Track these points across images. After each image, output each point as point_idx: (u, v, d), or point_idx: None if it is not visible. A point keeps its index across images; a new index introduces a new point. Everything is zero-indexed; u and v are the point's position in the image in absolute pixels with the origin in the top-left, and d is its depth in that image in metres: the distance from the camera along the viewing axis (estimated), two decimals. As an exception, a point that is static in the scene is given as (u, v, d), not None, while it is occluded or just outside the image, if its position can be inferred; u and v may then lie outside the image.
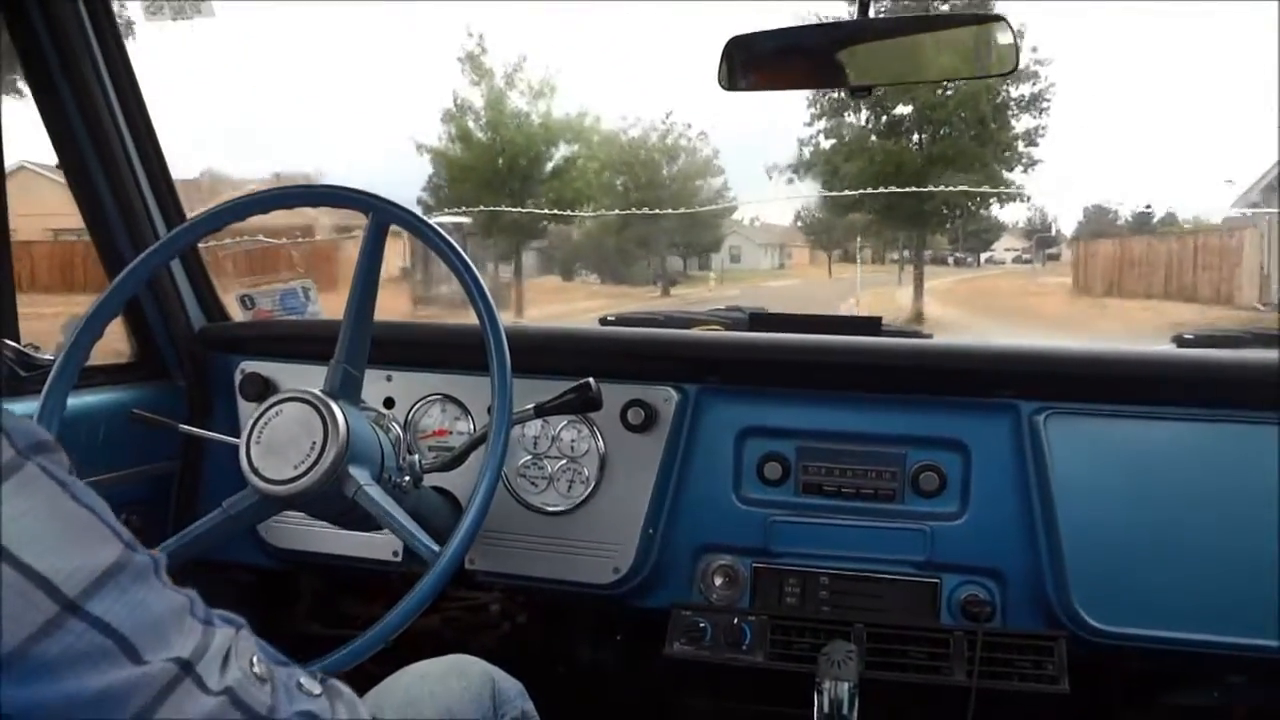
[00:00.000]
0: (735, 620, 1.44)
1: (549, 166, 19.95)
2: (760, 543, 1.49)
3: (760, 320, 1.77)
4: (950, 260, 27.83)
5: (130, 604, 0.50)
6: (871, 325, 1.66)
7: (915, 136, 18.61)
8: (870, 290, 21.01)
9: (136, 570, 0.52)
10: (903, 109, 18.48)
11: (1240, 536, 1.33)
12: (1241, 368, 1.43)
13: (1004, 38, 1.33)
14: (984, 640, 1.36)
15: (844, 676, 1.29)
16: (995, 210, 20.02)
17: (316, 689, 0.62)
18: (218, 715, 0.52)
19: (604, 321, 1.92)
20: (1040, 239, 26.74)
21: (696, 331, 1.76)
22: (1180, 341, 1.66)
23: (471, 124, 19.35)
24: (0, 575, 0.46)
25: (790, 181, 19.73)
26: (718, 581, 1.50)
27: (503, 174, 19.35)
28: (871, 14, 1.28)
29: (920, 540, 1.45)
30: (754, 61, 1.37)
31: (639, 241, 23.35)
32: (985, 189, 17.87)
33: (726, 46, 1.35)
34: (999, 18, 1.32)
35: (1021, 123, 17.95)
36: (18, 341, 1.53)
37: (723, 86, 1.38)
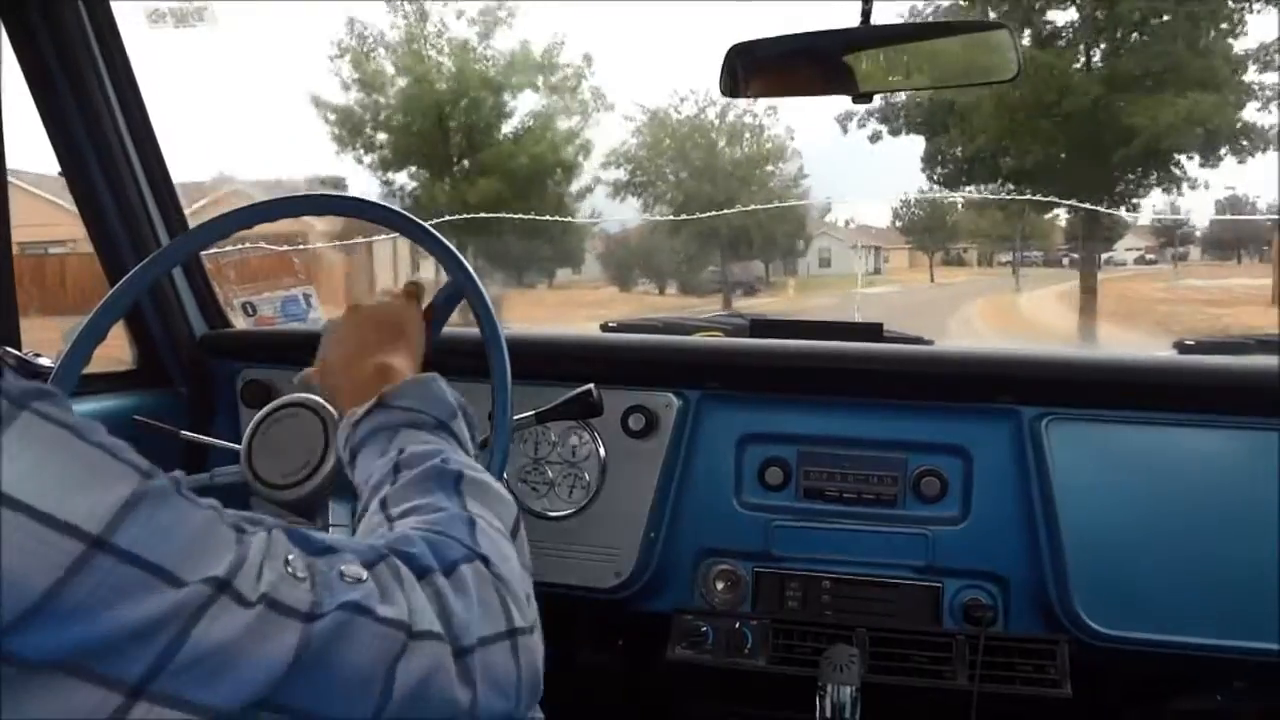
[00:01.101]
0: (737, 624, 1.44)
1: (506, 128, 14.42)
2: (762, 547, 1.49)
3: (761, 326, 1.77)
4: (1065, 261, 23.82)
5: (157, 529, 0.49)
6: (873, 331, 1.67)
7: (1083, 49, 11.57)
8: (989, 298, 17.22)
9: (158, 495, 0.50)
10: (1062, 12, 10.88)
11: (1242, 541, 1.34)
12: (1243, 374, 1.44)
13: (1005, 44, 1.33)
14: (986, 644, 1.36)
15: (846, 680, 1.29)
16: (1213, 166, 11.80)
17: (362, 574, 0.58)
18: (254, 626, 0.51)
19: (605, 327, 1.92)
20: (1184, 234, 22.59)
21: (697, 338, 1.76)
22: (1182, 347, 1.66)
23: (391, 67, 14.14)
24: (17, 527, 0.45)
25: (876, 138, 13.25)
26: (719, 586, 1.50)
27: (431, 138, 13.98)
28: (874, 21, 1.28)
29: (921, 545, 1.45)
30: (756, 68, 1.38)
31: (703, 242, 18.98)
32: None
33: (728, 54, 1.36)
34: (1001, 25, 1.33)
35: (1257, 26, 11.39)
36: (19, 349, 1.53)
37: (724, 94, 1.39)
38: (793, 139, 18.59)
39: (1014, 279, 20.31)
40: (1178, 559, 1.36)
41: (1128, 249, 25.70)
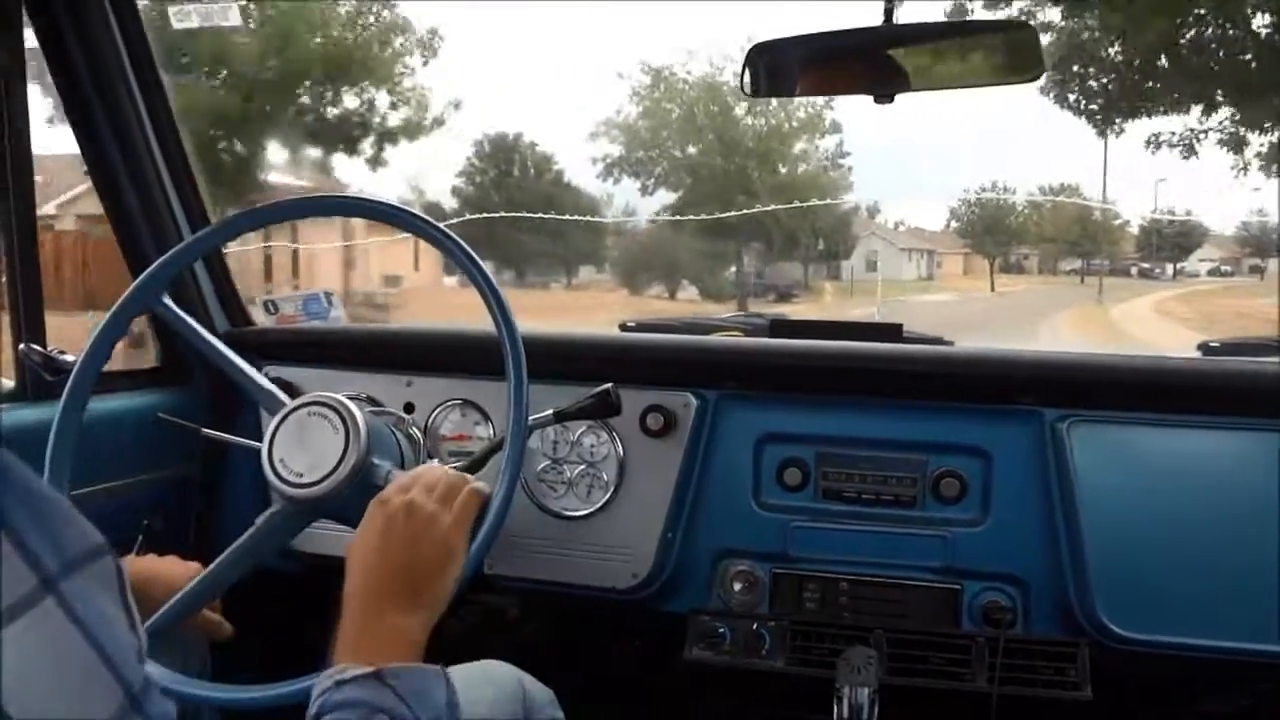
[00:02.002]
0: (754, 625, 1.44)
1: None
2: (780, 548, 1.49)
3: (780, 327, 1.77)
4: (1133, 272, 22.81)
5: None
6: (893, 332, 1.66)
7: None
8: (1075, 311, 14.79)
9: None
10: None
11: (1265, 544, 1.32)
12: (1268, 376, 1.42)
13: (1030, 44, 1.33)
14: (1005, 646, 1.35)
15: (864, 682, 1.29)
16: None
17: None
18: None
19: (624, 327, 1.92)
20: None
21: (716, 337, 1.76)
22: (1206, 349, 1.64)
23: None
24: None
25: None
26: (737, 587, 1.50)
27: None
28: (896, 21, 1.28)
29: (940, 546, 1.44)
30: (777, 68, 1.38)
31: (726, 239, 15.61)
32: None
33: (749, 53, 1.36)
34: (1024, 24, 1.32)
35: None
36: (44, 346, 1.54)
37: (745, 93, 1.39)
38: (831, 108, 15.68)
39: (1092, 288, 18.56)
40: (1200, 562, 1.34)
41: (1201, 259, 24.07)
